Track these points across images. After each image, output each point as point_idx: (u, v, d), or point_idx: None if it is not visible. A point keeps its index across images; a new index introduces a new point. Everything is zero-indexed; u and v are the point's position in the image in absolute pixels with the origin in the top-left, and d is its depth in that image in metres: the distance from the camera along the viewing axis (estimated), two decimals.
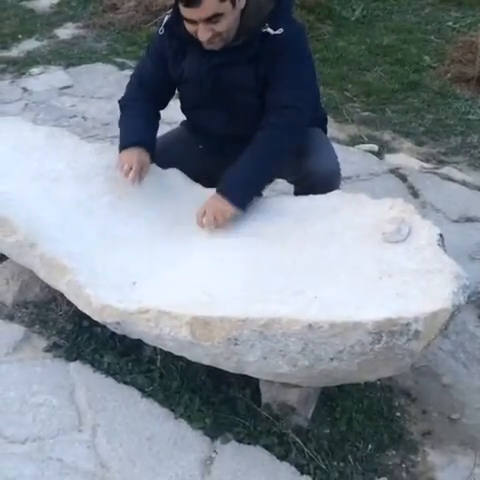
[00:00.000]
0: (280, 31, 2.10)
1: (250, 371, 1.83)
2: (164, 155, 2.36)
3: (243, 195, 2.16)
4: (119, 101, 2.41)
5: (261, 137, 2.16)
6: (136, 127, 2.30)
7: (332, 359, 1.69)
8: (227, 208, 2.12)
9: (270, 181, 2.42)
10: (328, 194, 2.20)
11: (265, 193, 2.63)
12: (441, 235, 1.91)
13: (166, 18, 2.23)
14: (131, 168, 2.21)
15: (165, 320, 1.80)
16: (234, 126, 2.28)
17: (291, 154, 2.22)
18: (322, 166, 2.26)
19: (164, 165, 2.36)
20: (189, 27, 2.07)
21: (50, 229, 2.12)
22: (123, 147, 2.27)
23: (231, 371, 1.86)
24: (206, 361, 1.85)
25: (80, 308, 1.98)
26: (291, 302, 1.79)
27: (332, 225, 2.09)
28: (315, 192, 2.23)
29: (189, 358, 1.90)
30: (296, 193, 2.41)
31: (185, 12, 2.03)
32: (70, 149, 2.48)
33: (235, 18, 2.08)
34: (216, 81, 2.20)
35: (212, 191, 2.28)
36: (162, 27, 2.24)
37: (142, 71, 2.39)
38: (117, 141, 2.33)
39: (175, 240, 2.17)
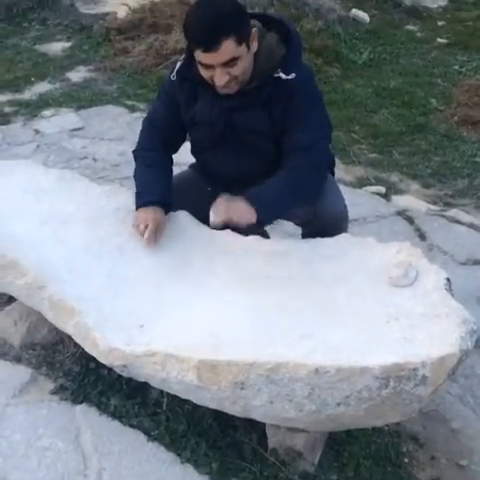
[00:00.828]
0: (292, 76, 2.13)
1: (256, 415, 1.82)
2: (173, 198, 2.38)
3: (268, 210, 2.13)
4: (133, 151, 2.43)
5: (287, 172, 2.17)
6: (152, 184, 2.31)
7: (339, 404, 1.68)
8: (249, 215, 2.09)
9: (285, 215, 2.38)
10: (336, 237, 2.21)
11: (272, 235, 2.65)
12: (448, 279, 1.92)
13: (178, 64, 2.26)
14: (147, 227, 2.23)
15: (172, 363, 1.80)
16: (243, 169, 2.30)
17: (313, 195, 2.23)
18: (330, 209, 2.27)
19: (173, 207, 2.38)
20: (205, 72, 2.09)
21: (59, 271, 2.13)
22: (140, 206, 2.29)
23: (237, 415, 1.86)
24: (212, 405, 1.85)
25: (87, 350, 1.98)
26: (298, 346, 1.79)
27: (339, 268, 2.10)
28: (323, 235, 2.24)
29: (195, 402, 1.89)
30: (304, 235, 2.43)
31: (202, 57, 2.05)
32: (80, 191, 2.51)
33: (250, 61, 2.11)
34: (227, 124, 2.22)
35: (220, 233, 2.31)
36: (174, 73, 2.26)
37: (154, 116, 2.42)
38: (127, 183, 2.37)
39: (183, 282, 2.18)
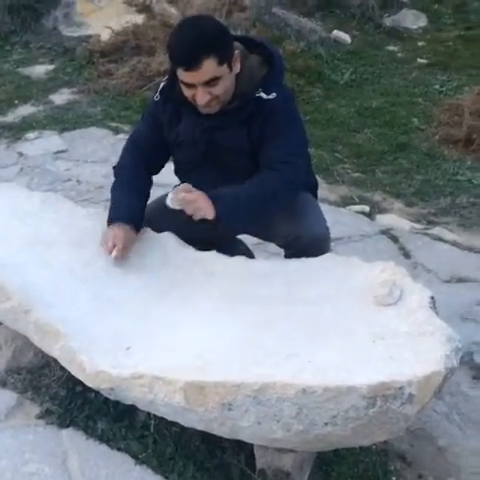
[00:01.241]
0: (273, 95, 2.17)
1: (244, 436, 1.82)
2: (158, 219, 2.39)
3: (228, 212, 2.12)
4: (113, 167, 2.45)
5: (257, 181, 2.18)
6: (127, 201, 2.33)
7: (326, 424, 1.68)
8: (208, 211, 2.09)
9: (250, 225, 2.34)
10: (320, 257, 2.22)
11: (257, 255, 2.66)
12: (432, 297, 1.93)
13: (162, 84, 2.29)
14: (115, 246, 2.24)
15: (159, 385, 1.80)
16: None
17: (280, 207, 2.23)
18: (311, 231, 2.27)
19: (158, 229, 2.39)
20: (187, 91, 2.13)
21: (44, 295, 2.13)
22: (111, 221, 2.30)
23: (225, 436, 1.85)
24: (200, 426, 1.84)
25: (73, 374, 1.97)
26: (285, 366, 1.79)
27: (324, 288, 2.10)
28: (305, 256, 2.24)
29: (183, 424, 1.89)
30: (286, 257, 2.41)
31: (184, 76, 2.09)
32: (65, 214, 2.51)
33: (232, 82, 2.15)
34: (209, 143, 2.25)
35: (205, 254, 2.32)
36: (158, 93, 2.30)
37: (137, 135, 2.44)
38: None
39: (168, 304, 2.18)
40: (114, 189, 2.40)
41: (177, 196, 2.13)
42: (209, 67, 2.05)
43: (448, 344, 1.75)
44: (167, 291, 2.24)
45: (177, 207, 2.13)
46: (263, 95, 2.16)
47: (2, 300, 2.11)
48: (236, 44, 2.19)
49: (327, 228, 2.34)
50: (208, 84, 2.08)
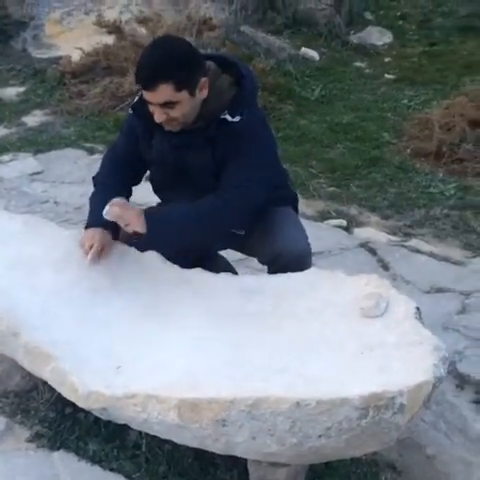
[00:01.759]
0: (237, 118, 2.18)
1: (238, 452, 1.82)
2: (141, 237, 2.41)
3: (158, 227, 2.21)
4: (93, 177, 2.49)
5: (198, 202, 2.22)
6: (104, 206, 2.33)
7: (320, 436, 1.70)
8: (138, 225, 2.19)
9: (189, 244, 2.35)
10: (305, 272, 2.25)
11: (240, 271, 2.68)
12: (418, 308, 1.98)
13: (136, 98, 2.32)
14: (91, 247, 2.28)
15: (153, 404, 1.80)
16: None
17: (213, 231, 2.27)
18: (292, 248, 2.29)
19: (141, 247, 2.40)
20: (149, 106, 2.17)
21: (31, 317, 2.12)
22: (88, 225, 2.35)
23: (219, 452, 1.86)
24: (194, 444, 1.85)
25: (65, 395, 1.97)
26: (276, 380, 1.82)
27: (311, 302, 2.13)
28: (288, 272, 2.26)
29: (176, 441, 1.89)
30: (270, 273, 2.41)
31: (144, 93, 2.14)
32: (47, 236, 2.50)
33: (193, 105, 2.16)
34: (178, 162, 2.27)
35: (190, 272, 2.34)
36: (130, 107, 2.36)
37: (115, 146, 2.50)
38: None
39: (155, 322, 2.20)
40: (92, 196, 2.44)
41: (111, 209, 2.22)
42: (164, 91, 2.08)
43: (436, 353, 1.79)
44: (154, 310, 2.25)
45: (112, 219, 2.24)
46: (228, 117, 2.18)
47: None
48: (209, 63, 2.22)
49: (308, 244, 2.37)
50: (164, 106, 2.12)
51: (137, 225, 2.20)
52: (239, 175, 2.20)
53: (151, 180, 2.48)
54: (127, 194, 2.45)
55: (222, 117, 2.18)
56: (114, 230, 2.34)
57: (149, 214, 2.23)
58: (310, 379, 1.79)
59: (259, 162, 2.23)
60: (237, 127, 2.18)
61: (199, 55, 2.20)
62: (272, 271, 2.38)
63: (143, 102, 2.22)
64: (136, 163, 2.42)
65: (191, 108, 2.16)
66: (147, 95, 2.12)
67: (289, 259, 2.28)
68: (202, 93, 2.16)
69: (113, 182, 2.41)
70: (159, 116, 2.15)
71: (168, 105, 2.11)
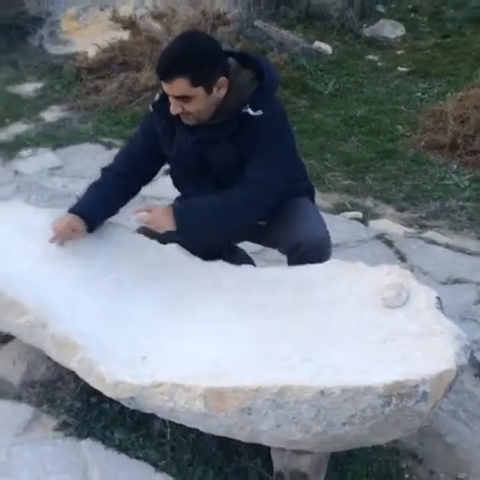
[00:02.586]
0: (259, 113, 2.21)
1: (263, 440, 1.86)
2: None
3: (188, 223, 2.27)
4: (102, 168, 2.53)
5: (221, 195, 2.27)
6: (91, 199, 2.44)
7: (344, 424, 1.73)
8: (168, 225, 2.26)
9: (217, 236, 2.42)
10: (325, 263, 2.28)
11: (258, 264, 2.71)
12: (439, 298, 2.00)
13: (157, 96, 2.35)
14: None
15: (179, 393, 1.84)
16: None
17: (237, 224, 2.32)
18: (313, 235, 2.33)
19: (163, 239, 2.44)
20: (169, 97, 2.20)
21: (58, 309, 2.17)
22: (69, 211, 2.42)
23: (244, 440, 1.89)
24: (220, 432, 1.88)
25: (92, 385, 2.01)
26: (300, 369, 1.85)
27: (332, 293, 2.16)
28: (307, 261, 2.30)
29: (202, 430, 1.92)
30: (289, 263, 2.46)
31: (162, 83, 2.18)
32: None
33: (209, 103, 2.19)
34: (201, 157, 2.30)
35: (213, 264, 2.37)
36: (151, 105, 2.38)
37: (132, 141, 2.53)
38: (113, 219, 2.47)
39: (179, 313, 2.24)
40: (89, 186, 2.49)
41: (140, 216, 2.31)
42: (180, 85, 2.12)
43: (457, 342, 1.81)
44: (177, 302, 2.29)
45: (143, 224, 2.33)
46: (250, 111, 2.21)
47: (17, 315, 2.15)
48: (230, 60, 2.25)
49: (327, 232, 2.40)
50: (180, 99, 2.16)
51: (167, 225, 2.26)
52: (261, 170, 2.24)
53: (171, 175, 2.51)
54: (121, 191, 2.48)
55: (244, 111, 2.21)
56: (89, 223, 2.41)
57: (177, 212, 2.27)
58: (334, 368, 1.81)
59: (281, 157, 2.28)
60: (259, 121, 2.21)
61: (222, 54, 2.22)
62: (292, 259, 2.41)
63: (164, 100, 2.26)
64: (150, 160, 2.45)
65: (207, 105, 2.19)
66: (164, 86, 2.17)
67: (310, 247, 2.32)
68: (220, 92, 2.19)
69: (111, 180, 2.46)
70: (174, 108, 2.19)
71: (183, 99, 2.15)
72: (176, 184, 2.54)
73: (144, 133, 2.44)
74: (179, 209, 2.30)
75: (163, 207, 2.32)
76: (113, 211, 2.50)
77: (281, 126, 2.32)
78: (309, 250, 2.32)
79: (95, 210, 2.44)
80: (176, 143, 2.34)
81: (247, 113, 2.20)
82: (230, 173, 2.29)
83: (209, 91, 2.16)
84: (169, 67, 2.12)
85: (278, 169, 2.27)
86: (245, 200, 2.25)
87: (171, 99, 2.18)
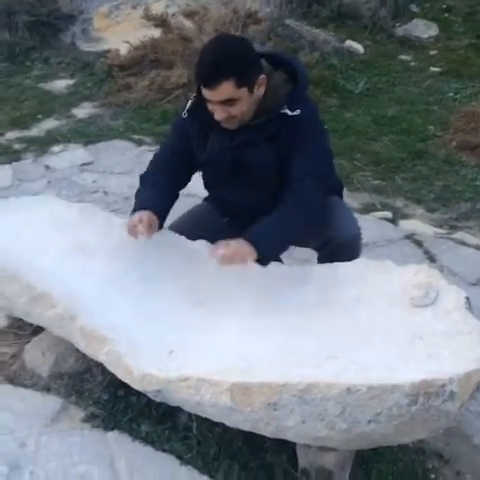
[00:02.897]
0: (297, 112, 2.22)
1: (289, 435, 1.86)
2: (191, 229, 2.46)
3: (267, 246, 2.22)
4: (140, 176, 2.51)
5: (279, 208, 2.25)
6: (150, 196, 2.38)
7: (370, 422, 1.72)
8: (250, 253, 2.17)
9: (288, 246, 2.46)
10: (353, 261, 2.28)
11: (285, 261, 2.71)
12: (468, 298, 1.99)
13: (189, 102, 2.35)
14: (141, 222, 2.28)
15: (206, 387, 1.84)
16: (255, 201, 2.37)
17: (310, 225, 2.30)
18: (344, 231, 2.35)
19: (192, 238, 2.45)
20: (209, 105, 2.20)
21: (88, 302, 2.19)
22: (135, 210, 2.36)
23: (269, 436, 1.89)
24: (245, 427, 1.89)
25: (120, 377, 2.03)
26: (326, 366, 1.85)
27: (360, 291, 2.16)
28: (338, 257, 2.31)
29: (228, 424, 1.93)
30: (320, 259, 2.48)
31: (204, 92, 2.16)
32: (102, 224, 2.58)
33: (252, 103, 2.20)
34: (237, 160, 2.30)
35: None
36: (185, 111, 2.36)
37: (165, 148, 2.52)
38: None
39: (207, 310, 2.25)
40: (139, 191, 2.45)
41: (218, 256, 2.20)
42: (226, 89, 2.11)
43: None
44: (205, 298, 2.30)
45: (226, 263, 2.21)
46: (288, 111, 2.22)
47: (47, 308, 2.17)
48: (262, 62, 2.25)
49: (359, 228, 2.42)
50: (225, 103, 2.15)
51: (250, 255, 2.18)
52: (310, 164, 2.24)
53: (203, 177, 2.52)
54: (172, 190, 2.47)
55: (282, 112, 2.22)
56: (160, 215, 2.37)
57: (253, 239, 2.20)
58: (361, 365, 1.81)
59: (324, 150, 2.32)
60: (298, 121, 2.22)
61: (256, 53, 2.23)
62: (323, 256, 2.43)
63: (199, 104, 2.26)
64: (184, 164, 2.45)
65: (250, 105, 2.20)
66: (208, 93, 2.14)
67: (341, 242, 2.34)
68: (260, 90, 2.20)
69: (158, 178, 2.44)
70: (220, 114, 2.17)
71: (228, 102, 2.14)
72: (208, 186, 2.55)
73: (177, 139, 2.44)
74: (252, 236, 2.21)
75: (235, 241, 2.21)
76: (170, 203, 2.46)
77: (318, 123, 2.35)
78: (341, 246, 2.34)
79: (159, 205, 2.39)
80: (209, 148, 2.35)
81: (285, 113, 2.22)
82: (267, 174, 2.31)
83: (251, 91, 2.16)
84: (212, 73, 2.11)
85: (324, 159, 2.31)
86: (307, 194, 2.24)
87: (215, 106, 2.17)
